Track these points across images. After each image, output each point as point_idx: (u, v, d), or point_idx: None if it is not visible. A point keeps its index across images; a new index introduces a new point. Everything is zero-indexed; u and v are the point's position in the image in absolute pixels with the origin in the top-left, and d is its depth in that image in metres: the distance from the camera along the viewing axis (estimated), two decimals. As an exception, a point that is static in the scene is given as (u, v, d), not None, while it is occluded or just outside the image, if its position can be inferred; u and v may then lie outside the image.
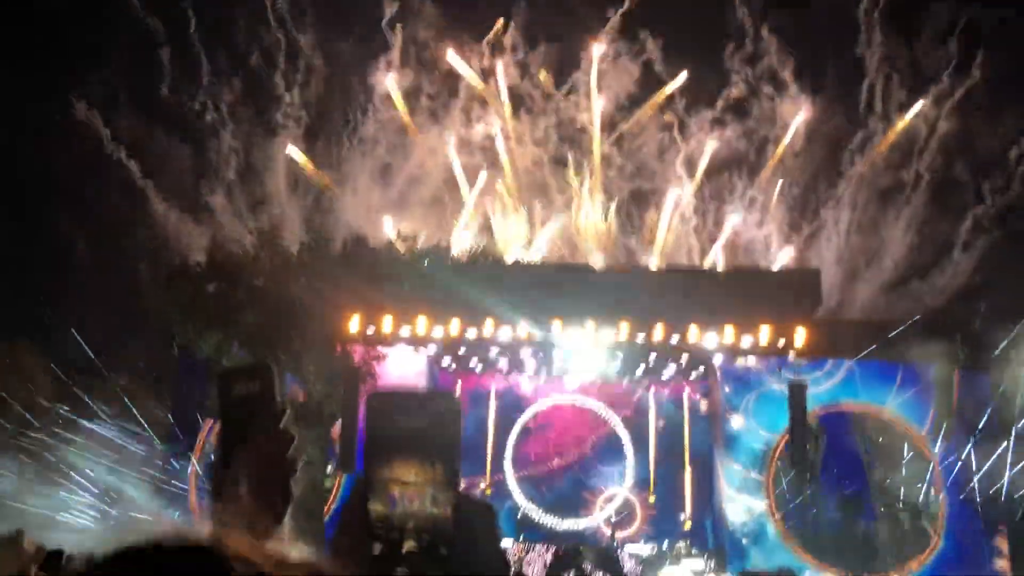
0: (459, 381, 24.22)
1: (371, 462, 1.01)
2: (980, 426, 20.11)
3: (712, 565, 20.64)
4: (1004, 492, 19.87)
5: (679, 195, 28.69)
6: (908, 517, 20.88)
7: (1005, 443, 19.73)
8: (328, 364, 19.45)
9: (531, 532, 22.41)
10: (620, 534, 22.52)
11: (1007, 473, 19.72)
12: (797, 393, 19.57)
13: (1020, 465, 19.63)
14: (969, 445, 20.23)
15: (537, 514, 23.60)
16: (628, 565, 20.12)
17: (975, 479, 20.21)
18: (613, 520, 22.73)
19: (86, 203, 24.65)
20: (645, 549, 21.46)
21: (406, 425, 1.00)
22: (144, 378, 21.61)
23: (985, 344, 19.93)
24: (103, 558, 0.63)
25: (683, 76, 29.10)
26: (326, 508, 19.41)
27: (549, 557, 18.35)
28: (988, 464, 20.04)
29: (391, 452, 1.00)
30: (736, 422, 21.59)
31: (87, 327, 20.84)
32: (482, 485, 23.80)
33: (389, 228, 24.83)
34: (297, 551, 0.73)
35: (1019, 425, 19.60)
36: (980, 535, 20.32)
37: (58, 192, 24.30)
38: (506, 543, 20.83)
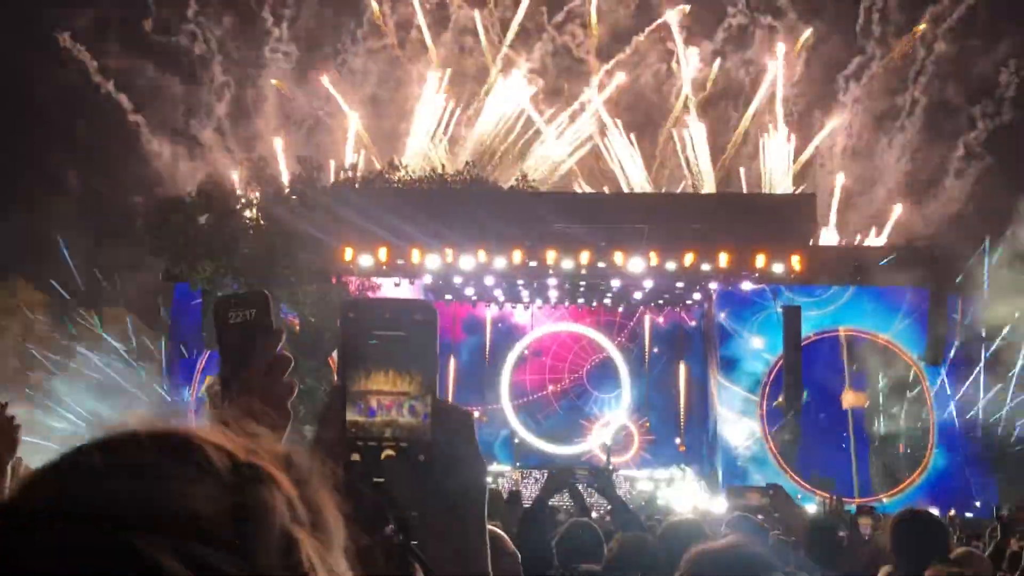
0: (455, 311, 24.34)
1: (347, 372, 1.00)
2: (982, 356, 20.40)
3: (706, 487, 21.05)
4: (1003, 422, 20.33)
5: (679, 123, 28.43)
6: (901, 443, 21.23)
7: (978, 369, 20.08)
8: (324, 295, 19.46)
9: (528, 459, 22.77)
10: (616, 459, 22.90)
11: (1008, 404, 20.14)
12: (791, 316, 19.71)
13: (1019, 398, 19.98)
14: (969, 382, 20.52)
15: (534, 441, 23.97)
16: (623, 488, 20.51)
17: (978, 407, 20.59)
18: (609, 445, 23.09)
19: (76, 137, 24.34)
20: (641, 474, 21.84)
21: (382, 335, 0.99)
22: (139, 311, 21.66)
23: (979, 270, 20.05)
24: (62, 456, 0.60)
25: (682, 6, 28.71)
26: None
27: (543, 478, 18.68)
28: (989, 395, 20.39)
29: (367, 362, 0.99)
30: (733, 346, 21.79)
31: (81, 260, 20.80)
32: (477, 413, 24.11)
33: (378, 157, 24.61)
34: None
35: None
36: (969, 462, 20.75)
37: (47, 126, 23.95)
38: (504, 468, 21.19)
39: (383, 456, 0.99)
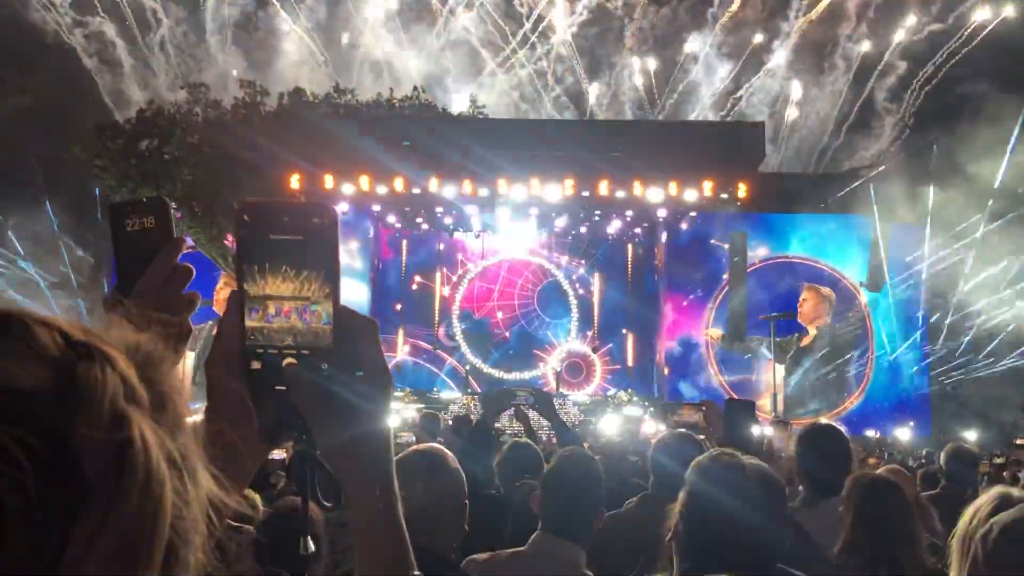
0: (404, 240, 24.20)
1: (244, 277, 0.96)
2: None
3: (650, 411, 21.53)
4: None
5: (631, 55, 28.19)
6: (837, 367, 21.88)
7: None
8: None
9: (481, 387, 22.97)
10: (580, 389, 23.23)
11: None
12: (737, 242, 20.02)
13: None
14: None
15: (486, 369, 24.14)
16: (571, 412, 20.89)
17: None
18: (559, 371, 23.40)
19: (12, 56, 23.18)
20: (585, 399, 22.24)
21: (280, 238, 0.96)
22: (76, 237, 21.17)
23: (920, 198, 20.48)
24: None
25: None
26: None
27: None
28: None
29: (265, 266, 0.96)
30: (679, 272, 22.11)
31: (18, 183, 20.14)
32: (433, 345, 24.19)
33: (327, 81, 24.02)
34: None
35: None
36: (901, 392, 21.56)
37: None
38: (454, 396, 21.40)
39: (284, 363, 0.96)
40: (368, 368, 0.99)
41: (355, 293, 22.15)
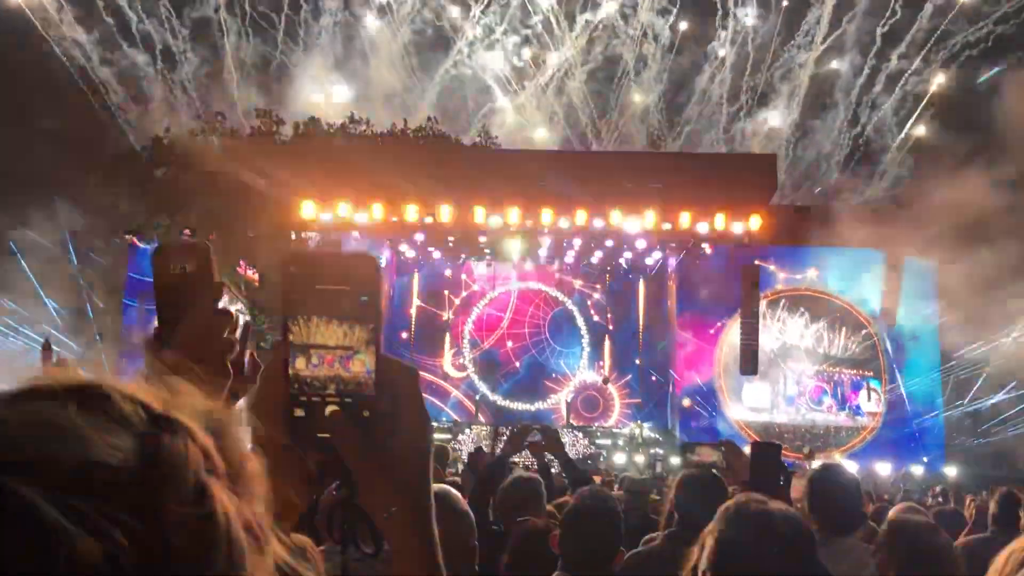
0: (416, 268, 24.24)
1: (289, 326, 0.98)
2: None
3: (662, 443, 21.38)
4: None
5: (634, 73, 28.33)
6: (849, 407, 21.76)
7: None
8: (283, 250, 19.22)
9: (493, 417, 22.86)
10: (601, 421, 23.10)
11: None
12: (749, 275, 19.94)
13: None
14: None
15: (498, 400, 24.01)
16: (579, 445, 20.78)
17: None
18: (569, 402, 23.30)
19: (26, 83, 23.45)
20: (599, 433, 22.11)
21: (325, 288, 0.97)
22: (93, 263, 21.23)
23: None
24: None
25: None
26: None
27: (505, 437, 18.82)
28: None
29: (310, 315, 0.97)
30: (692, 303, 22.06)
31: (34, 208, 20.26)
32: (444, 373, 24.15)
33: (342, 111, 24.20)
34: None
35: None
36: (912, 429, 21.35)
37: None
38: (464, 426, 21.32)
39: (327, 412, 0.98)
40: (410, 417, 1.00)
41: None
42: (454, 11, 28.75)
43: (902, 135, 27.85)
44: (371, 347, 0.98)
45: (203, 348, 1.22)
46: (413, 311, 24.26)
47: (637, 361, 24.25)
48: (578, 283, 24.58)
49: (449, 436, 21.42)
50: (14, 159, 21.12)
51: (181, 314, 1.26)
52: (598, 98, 29.53)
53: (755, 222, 20.11)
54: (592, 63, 29.60)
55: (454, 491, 2.99)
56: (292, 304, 0.98)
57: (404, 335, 24.11)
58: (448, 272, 24.41)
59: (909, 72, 27.87)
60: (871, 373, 21.93)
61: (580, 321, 24.50)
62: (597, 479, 11.98)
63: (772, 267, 21.16)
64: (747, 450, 4.38)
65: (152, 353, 1.22)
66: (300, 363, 0.96)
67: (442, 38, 29.29)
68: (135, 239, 19.90)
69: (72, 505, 0.54)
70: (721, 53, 28.98)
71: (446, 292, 24.51)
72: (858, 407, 21.90)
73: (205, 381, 0.71)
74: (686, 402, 22.04)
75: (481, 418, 22.52)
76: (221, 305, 1.28)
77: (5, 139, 20.50)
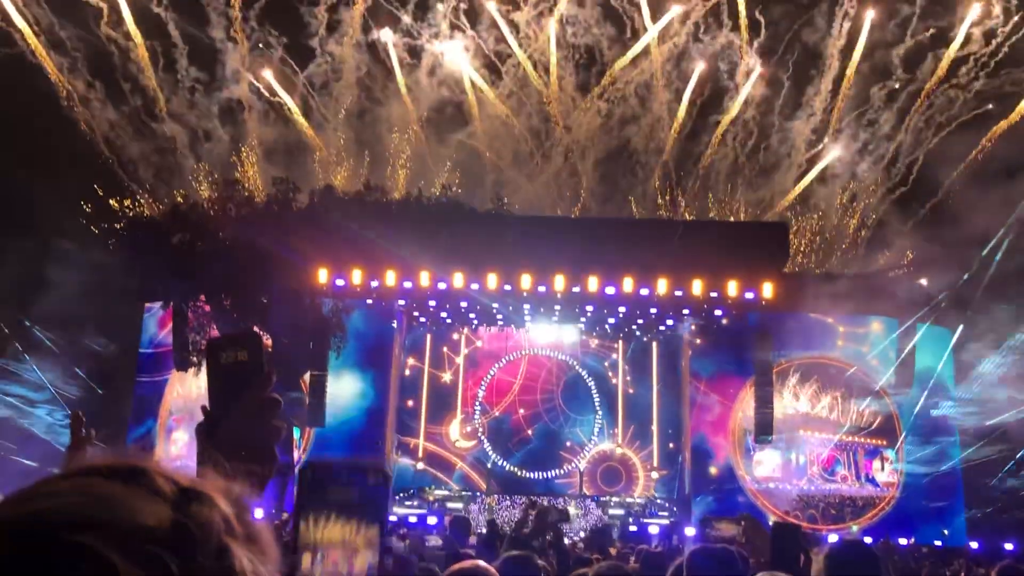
0: (428, 335, 24.25)
1: (301, 524, 1.07)
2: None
3: (676, 513, 21.05)
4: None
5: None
6: (864, 477, 21.45)
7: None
8: (297, 316, 19.35)
9: (504, 486, 22.54)
10: (625, 496, 22.76)
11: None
12: (762, 343, 19.89)
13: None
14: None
15: (510, 469, 23.69)
16: (595, 514, 20.50)
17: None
18: (582, 471, 23.03)
19: (38, 145, 23.80)
20: (613, 500, 21.80)
21: (337, 496, 1.07)
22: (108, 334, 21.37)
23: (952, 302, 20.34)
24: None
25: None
26: (295, 460, 19.48)
27: (517, 513, 18.55)
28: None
29: (320, 516, 1.07)
30: (705, 370, 21.95)
31: (50, 277, 20.47)
32: (455, 441, 23.94)
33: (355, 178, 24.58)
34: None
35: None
36: (930, 500, 20.97)
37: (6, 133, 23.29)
38: (477, 494, 21.07)
39: None
40: None
41: (379, 385, 22.17)
42: (475, 76, 29.31)
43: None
44: (376, 548, 1.04)
45: (253, 434, 1.32)
46: (425, 380, 24.17)
47: (653, 429, 23.96)
48: (592, 347, 24.49)
49: (461, 504, 21.19)
50: (40, 217, 21.46)
51: (234, 401, 1.34)
52: (611, 164, 29.86)
53: (767, 289, 20.16)
54: (607, 138, 30.03)
55: (488, 568, 2.96)
56: (305, 504, 1.05)
57: (410, 403, 24.00)
58: (457, 336, 24.42)
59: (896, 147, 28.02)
60: (885, 443, 21.65)
61: (593, 387, 24.32)
62: (612, 551, 11.79)
63: (785, 334, 21.07)
64: (770, 519, 4.33)
65: (204, 441, 1.32)
66: (309, 559, 1.04)
67: (460, 114, 29.84)
68: (153, 304, 20.07)
69: (131, 554, 0.70)
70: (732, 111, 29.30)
71: (445, 349, 24.42)
72: (873, 478, 21.57)
73: (252, 471, 0.89)
74: (713, 470, 21.73)
75: (487, 487, 22.27)
76: (269, 393, 1.36)
77: (29, 197, 20.87)
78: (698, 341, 22.13)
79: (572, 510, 20.81)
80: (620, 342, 24.37)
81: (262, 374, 1.35)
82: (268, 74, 27.88)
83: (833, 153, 28.24)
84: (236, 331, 1.53)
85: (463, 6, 28.43)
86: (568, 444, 24.01)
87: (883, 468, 21.55)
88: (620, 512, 21.01)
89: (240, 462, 1.27)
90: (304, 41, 28.10)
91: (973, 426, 20.94)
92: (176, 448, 21.48)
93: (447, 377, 24.36)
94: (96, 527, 0.70)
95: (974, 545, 18.59)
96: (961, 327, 20.53)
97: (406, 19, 28.21)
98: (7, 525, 0.72)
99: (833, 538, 18.93)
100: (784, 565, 3.78)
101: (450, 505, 21.18)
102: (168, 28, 26.31)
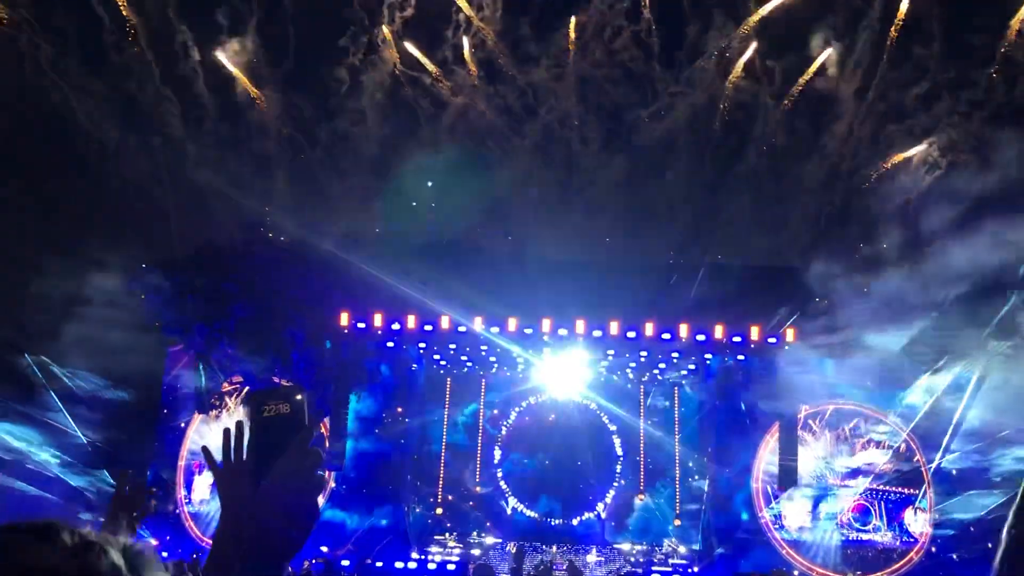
0: (448, 379, 24.16)
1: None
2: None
3: (698, 560, 20.67)
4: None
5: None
6: (894, 527, 21.01)
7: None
8: (318, 358, 19.39)
9: (526, 533, 22.26)
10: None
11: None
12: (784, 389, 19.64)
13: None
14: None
15: (531, 513, 23.40)
16: (617, 564, 20.17)
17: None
18: (604, 517, 22.71)
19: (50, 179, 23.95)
20: (635, 551, 21.47)
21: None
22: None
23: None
24: None
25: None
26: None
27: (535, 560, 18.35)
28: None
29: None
30: (728, 417, 21.67)
31: (71, 323, 20.60)
32: (476, 487, 23.72)
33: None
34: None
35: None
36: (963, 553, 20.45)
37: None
38: (496, 541, 20.80)
39: None
40: None
41: (399, 429, 22.07)
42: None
43: None
44: None
45: (298, 485, 1.38)
46: (444, 424, 23.99)
47: (676, 474, 23.61)
48: (613, 391, 24.27)
49: (479, 551, 20.92)
50: (67, 251, 21.61)
51: (275, 452, 1.38)
52: (634, 213, 29.89)
53: (790, 334, 20.00)
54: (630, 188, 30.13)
55: None
56: None
57: (431, 446, 23.84)
58: (483, 383, 24.31)
59: None
60: (917, 492, 21.20)
61: (616, 432, 24.07)
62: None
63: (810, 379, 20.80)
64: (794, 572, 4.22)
65: (118, 503, 1.51)
66: None
67: (483, 159, 30.06)
68: (175, 347, 20.15)
69: None
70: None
71: (480, 404, 24.27)
72: (905, 527, 21.08)
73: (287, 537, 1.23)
74: (735, 517, 21.31)
75: (515, 537, 21.98)
76: (311, 445, 1.42)
77: (62, 233, 21.08)
78: (718, 384, 21.86)
79: (592, 557, 20.50)
80: (642, 387, 24.16)
81: (304, 427, 1.39)
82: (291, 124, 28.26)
83: None
84: (281, 385, 1.57)
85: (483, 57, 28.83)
86: (591, 490, 23.70)
87: (915, 516, 21.07)
88: (643, 560, 20.69)
89: (276, 521, 1.32)
90: (328, 100, 28.50)
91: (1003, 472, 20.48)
92: (197, 493, 21.42)
93: (466, 420, 24.23)
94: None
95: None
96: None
97: (428, 77, 28.60)
98: None
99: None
100: None
101: (474, 552, 20.94)
102: (197, 86, 26.72)
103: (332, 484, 20.62)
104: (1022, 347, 19.02)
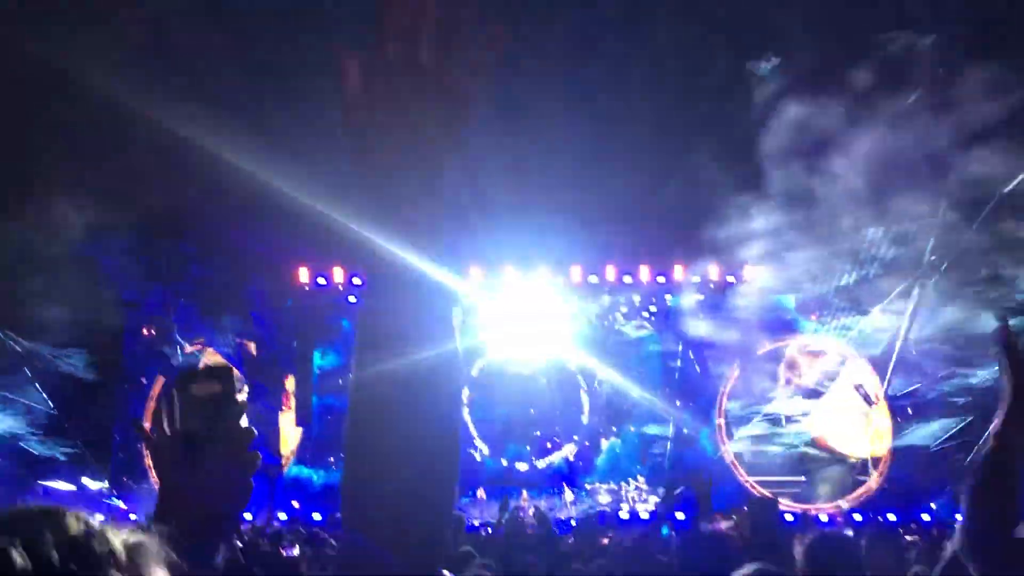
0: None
1: None
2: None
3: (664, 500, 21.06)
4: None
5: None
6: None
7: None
8: (279, 317, 19.25)
9: (494, 479, 22.50)
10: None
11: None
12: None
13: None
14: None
15: (499, 459, 23.62)
16: (586, 503, 20.58)
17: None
18: (572, 459, 23.05)
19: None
20: (603, 490, 21.87)
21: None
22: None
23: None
24: None
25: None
26: (283, 462, 19.43)
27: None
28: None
29: None
30: (692, 361, 22.03)
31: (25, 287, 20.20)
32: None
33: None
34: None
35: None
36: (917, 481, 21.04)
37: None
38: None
39: None
40: None
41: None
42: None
43: None
44: None
45: (230, 463, 1.39)
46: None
47: (632, 429, 23.91)
48: (578, 330, 24.40)
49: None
50: (16, 216, 21.05)
51: (206, 434, 1.37)
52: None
53: (748, 271, 20.25)
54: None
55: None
56: None
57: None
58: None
59: None
60: (874, 419, 21.63)
61: (581, 376, 24.26)
62: (605, 541, 11.82)
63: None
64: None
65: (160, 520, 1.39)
66: None
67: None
68: (135, 309, 19.84)
69: None
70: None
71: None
72: (863, 455, 21.52)
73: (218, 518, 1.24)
74: (708, 450, 21.71)
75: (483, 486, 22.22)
76: (243, 424, 1.41)
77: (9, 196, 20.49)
78: (681, 325, 22.09)
79: (561, 499, 20.87)
80: (605, 330, 24.28)
81: (235, 405, 1.37)
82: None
83: None
84: (209, 364, 1.57)
85: None
86: (557, 434, 23.98)
87: (871, 443, 21.58)
88: (609, 499, 21.11)
89: (210, 497, 1.35)
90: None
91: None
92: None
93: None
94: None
95: (959, 518, 18.58)
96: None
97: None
98: None
99: (823, 518, 19.12)
100: (764, 542, 3.86)
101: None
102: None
103: (298, 440, 20.66)
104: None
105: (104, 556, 1.02)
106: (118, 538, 1.05)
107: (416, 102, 0.99)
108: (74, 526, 1.03)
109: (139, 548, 1.07)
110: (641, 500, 21.13)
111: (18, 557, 0.97)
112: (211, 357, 18.57)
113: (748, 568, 2.44)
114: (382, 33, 0.99)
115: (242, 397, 1.44)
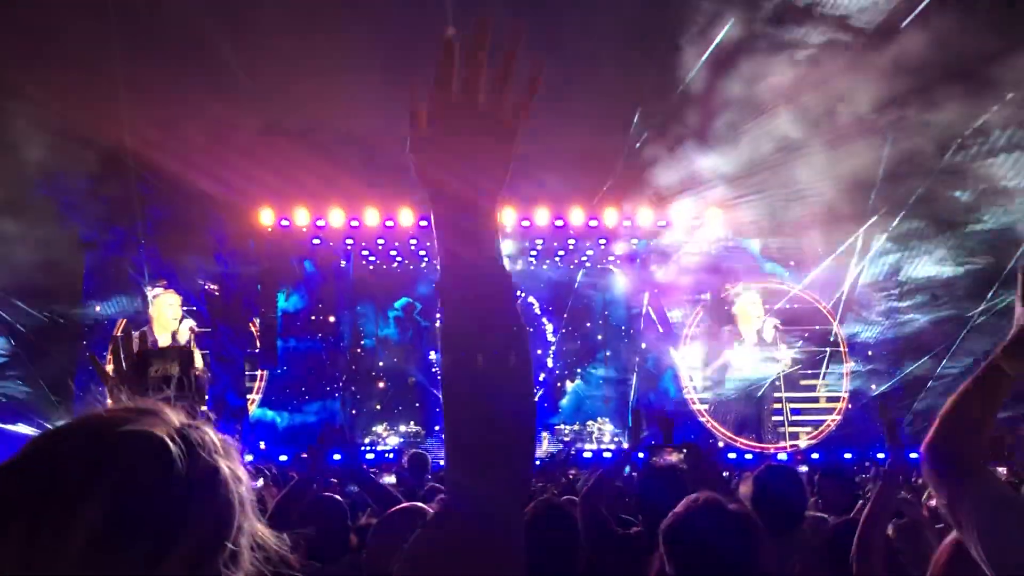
0: (377, 274, 24.04)
1: None
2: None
3: (627, 439, 21.45)
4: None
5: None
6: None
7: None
8: (242, 259, 19.05)
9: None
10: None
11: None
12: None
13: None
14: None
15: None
16: (547, 444, 20.88)
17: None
18: (536, 398, 23.29)
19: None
20: (566, 430, 22.19)
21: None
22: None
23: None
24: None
25: None
26: (249, 402, 19.42)
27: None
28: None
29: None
30: (654, 298, 22.19)
31: None
32: (410, 378, 24.06)
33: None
34: None
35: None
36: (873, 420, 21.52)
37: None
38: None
39: None
40: None
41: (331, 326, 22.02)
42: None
43: None
44: None
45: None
46: (376, 320, 24.08)
47: (607, 355, 24.31)
48: (542, 280, 24.54)
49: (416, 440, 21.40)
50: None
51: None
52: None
53: (712, 213, 20.35)
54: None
55: (427, 508, 2.98)
56: None
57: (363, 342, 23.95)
58: (412, 274, 24.26)
59: None
60: (833, 359, 22.03)
61: (545, 319, 24.51)
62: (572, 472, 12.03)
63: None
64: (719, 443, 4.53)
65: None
66: None
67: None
68: (95, 251, 19.51)
69: None
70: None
71: (415, 304, 24.30)
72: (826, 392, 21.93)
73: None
74: (671, 391, 21.99)
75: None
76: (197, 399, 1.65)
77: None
78: (648, 266, 22.25)
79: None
80: (570, 274, 24.42)
81: (190, 390, 1.52)
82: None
83: None
84: (167, 346, 1.63)
85: None
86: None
87: (832, 381, 21.96)
88: (574, 439, 21.47)
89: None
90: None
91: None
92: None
93: (396, 313, 24.35)
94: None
95: (914, 456, 19.15)
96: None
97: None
98: (98, 426, 1.12)
99: (782, 456, 19.59)
100: (699, 475, 4.21)
101: (410, 441, 21.40)
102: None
103: (263, 384, 20.65)
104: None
105: (208, 443, 1.16)
106: (209, 428, 1.19)
107: (475, 135, 1.30)
108: (175, 419, 1.16)
109: (226, 440, 1.21)
110: (605, 440, 21.51)
111: (173, 445, 1.10)
112: (172, 297, 18.36)
113: (696, 495, 2.57)
114: (448, 82, 1.30)
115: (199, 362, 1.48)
